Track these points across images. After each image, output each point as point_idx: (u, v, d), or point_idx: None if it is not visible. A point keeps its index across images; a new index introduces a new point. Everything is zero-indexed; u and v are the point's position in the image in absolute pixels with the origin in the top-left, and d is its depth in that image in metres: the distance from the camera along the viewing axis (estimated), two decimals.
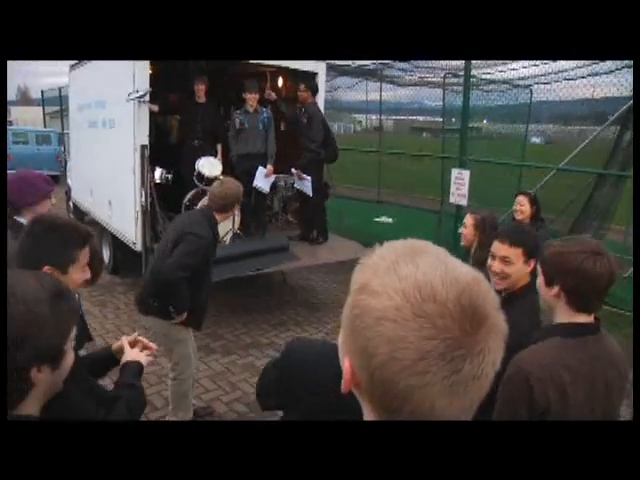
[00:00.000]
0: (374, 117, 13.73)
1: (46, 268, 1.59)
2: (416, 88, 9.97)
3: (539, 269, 1.73)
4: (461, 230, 3.29)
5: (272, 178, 6.49)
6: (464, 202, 6.59)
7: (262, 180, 6.35)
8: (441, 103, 9.26)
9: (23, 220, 2.65)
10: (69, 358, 1.17)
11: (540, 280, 1.71)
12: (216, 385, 4.43)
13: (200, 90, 6.40)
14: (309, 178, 6.29)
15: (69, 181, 9.84)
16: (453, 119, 9.28)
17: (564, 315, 1.66)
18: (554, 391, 1.54)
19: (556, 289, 1.64)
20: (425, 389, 0.59)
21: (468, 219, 3.24)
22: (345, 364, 0.67)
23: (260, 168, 6.29)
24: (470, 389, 0.61)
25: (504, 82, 8.85)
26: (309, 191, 6.34)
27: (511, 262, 2.15)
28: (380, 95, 10.01)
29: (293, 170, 6.45)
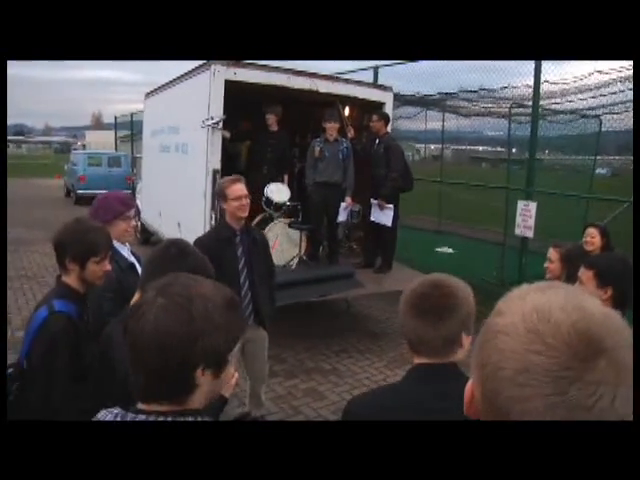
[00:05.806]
0: (432, 146, 13.70)
1: None
2: (478, 118, 9.88)
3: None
4: (546, 265, 3.25)
5: (349, 208, 6.43)
6: (530, 234, 6.47)
7: (342, 214, 6.33)
8: (501, 133, 9.16)
9: None
10: (230, 370, 1.18)
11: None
12: (279, 408, 4.47)
13: (271, 119, 6.51)
14: (391, 206, 6.29)
15: (138, 202, 10.21)
16: (514, 149, 9.14)
17: None
18: None
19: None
20: (524, 404, 0.59)
21: (553, 254, 3.21)
22: (467, 384, 0.71)
23: (342, 204, 6.25)
24: (576, 419, 0.58)
25: (571, 112, 8.66)
26: (389, 221, 6.30)
27: (582, 283, 2.39)
28: (442, 125, 9.99)
29: (373, 200, 6.41)
